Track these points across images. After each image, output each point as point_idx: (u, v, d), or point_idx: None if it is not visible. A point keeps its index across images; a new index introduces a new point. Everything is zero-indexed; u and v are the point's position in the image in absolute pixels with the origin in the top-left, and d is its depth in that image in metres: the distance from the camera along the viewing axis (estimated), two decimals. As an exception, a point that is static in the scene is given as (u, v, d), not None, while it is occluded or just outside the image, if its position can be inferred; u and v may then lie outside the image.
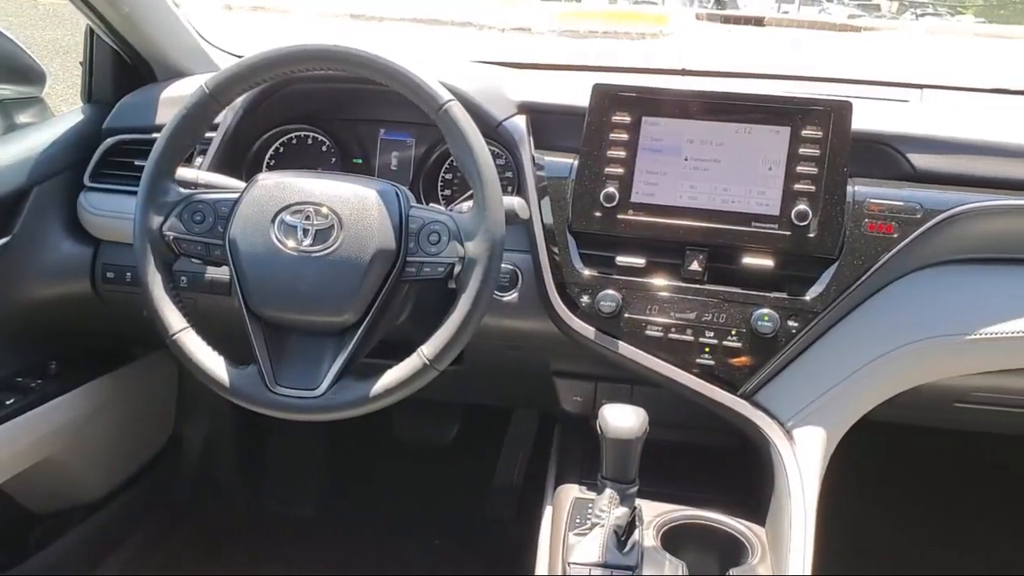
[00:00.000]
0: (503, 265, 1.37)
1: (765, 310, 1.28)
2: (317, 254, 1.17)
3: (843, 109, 1.28)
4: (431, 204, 1.46)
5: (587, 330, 1.34)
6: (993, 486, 2.08)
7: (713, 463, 1.45)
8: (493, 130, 1.40)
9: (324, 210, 1.18)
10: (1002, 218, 1.30)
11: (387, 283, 1.19)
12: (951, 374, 1.34)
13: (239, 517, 2.14)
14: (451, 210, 1.26)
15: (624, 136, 1.34)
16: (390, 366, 1.17)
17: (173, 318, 1.21)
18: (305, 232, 1.18)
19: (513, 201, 1.26)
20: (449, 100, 1.18)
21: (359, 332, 1.19)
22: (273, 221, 1.18)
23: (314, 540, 2.09)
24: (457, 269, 1.19)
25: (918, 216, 1.28)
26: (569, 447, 1.52)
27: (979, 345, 1.28)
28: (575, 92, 1.41)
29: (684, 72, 1.78)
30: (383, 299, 1.19)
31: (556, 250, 1.37)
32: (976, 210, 1.28)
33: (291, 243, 1.17)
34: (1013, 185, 1.31)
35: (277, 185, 1.21)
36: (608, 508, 1.17)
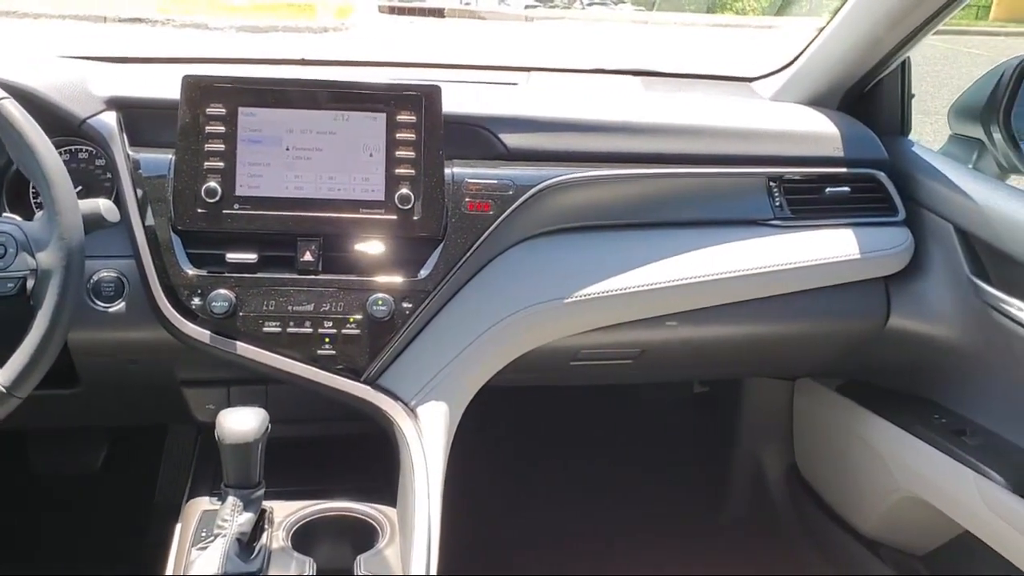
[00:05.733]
0: (107, 273, 1.29)
1: (380, 294, 1.30)
2: None
3: (433, 94, 1.32)
4: (5, 215, 1.32)
5: (202, 334, 1.28)
6: (612, 431, 2.29)
7: (353, 452, 1.46)
8: (77, 128, 1.30)
9: None
10: (584, 189, 1.41)
11: None
12: (557, 336, 1.44)
13: None
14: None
15: (221, 128, 1.29)
16: None
17: None
18: None
19: (98, 203, 1.18)
20: (1, 98, 1.08)
21: None
22: None
23: None
24: (31, 284, 1.09)
25: (510, 193, 1.36)
26: (207, 458, 1.45)
27: (576, 307, 1.39)
28: (173, 85, 1.33)
29: (303, 62, 1.76)
30: None
31: (162, 252, 1.29)
32: (560, 183, 1.38)
33: None
34: (592, 158, 1.43)
35: None
36: (231, 516, 1.13)
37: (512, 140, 1.41)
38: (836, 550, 1.87)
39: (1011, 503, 1.37)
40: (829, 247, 1.50)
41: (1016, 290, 1.41)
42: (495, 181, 1.36)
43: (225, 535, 1.12)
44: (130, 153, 1.32)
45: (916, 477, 1.59)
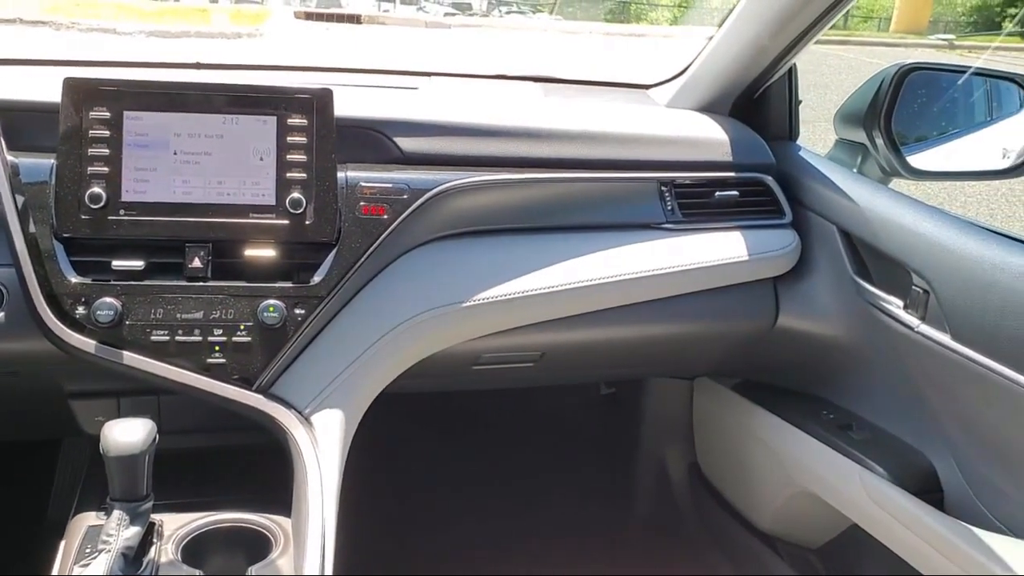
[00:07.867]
0: None
1: (271, 301, 1.28)
2: None
3: (324, 97, 1.31)
4: None
5: (87, 344, 1.24)
6: (520, 435, 2.29)
7: (247, 463, 1.43)
8: None
9: None
10: (480, 193, 1.42)
11: None
12: (457, 340, 1.44)
13: None
14: None
15: (105, 132, 1.26)
16: None
17: None
18: None
19: None
20: None
21: None
22: None
23: None
24: None
25: (406, 197, 1.35)
26: (97, 472, 1.41)
27: (474, 311, 1.39)
28: (54, 88, 1.29)
29: (199, 65, 1.72)
30: None
31: (44, 260, 1.25)
32: (456, 187, 1.39)
33: None
34: (489, 162, 1.44)
35: None
36: (116, 531, 1.10)
37: (407, 144, 1.41)
38: (735, 546, 1.91)
39: (892, 494, 1.42)
40: (719, 249, 1.54)
41: (895, 289, 1.47)
42: (390, 185, 1.35)
43: (110, 550, 1.09)
44: (8, 158, 1.27)
45: (807, 472, 1.64)
